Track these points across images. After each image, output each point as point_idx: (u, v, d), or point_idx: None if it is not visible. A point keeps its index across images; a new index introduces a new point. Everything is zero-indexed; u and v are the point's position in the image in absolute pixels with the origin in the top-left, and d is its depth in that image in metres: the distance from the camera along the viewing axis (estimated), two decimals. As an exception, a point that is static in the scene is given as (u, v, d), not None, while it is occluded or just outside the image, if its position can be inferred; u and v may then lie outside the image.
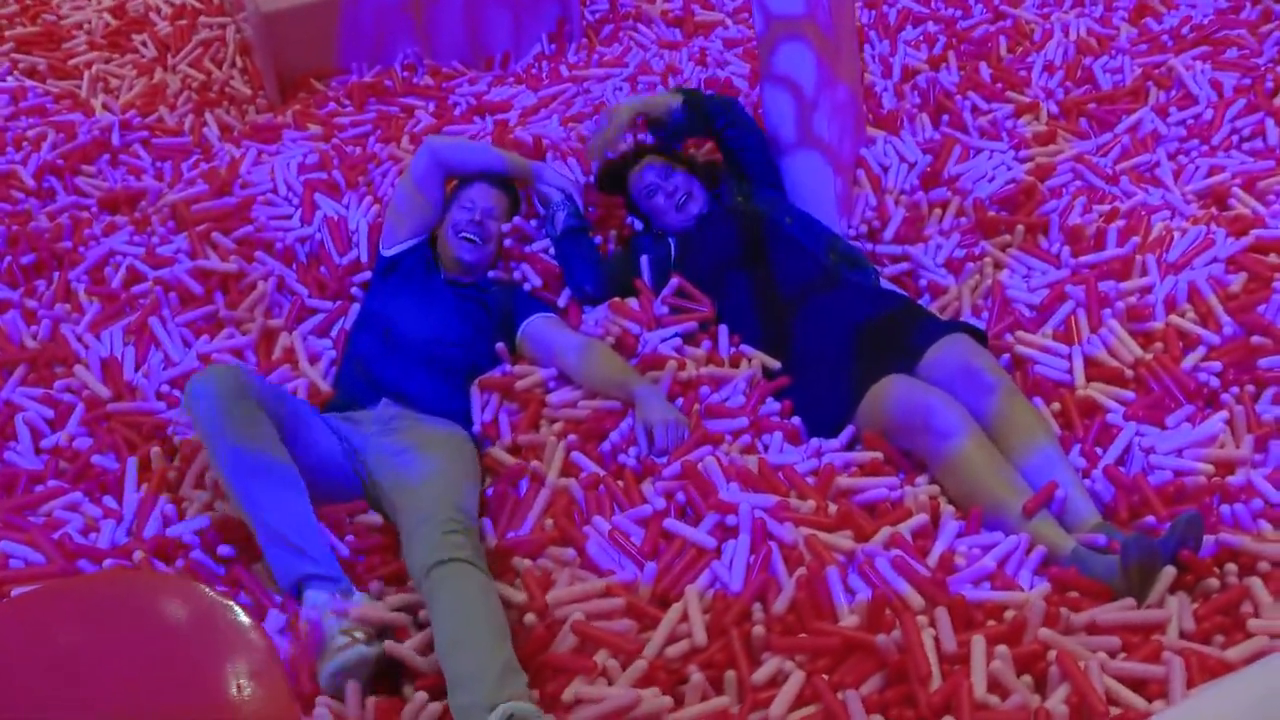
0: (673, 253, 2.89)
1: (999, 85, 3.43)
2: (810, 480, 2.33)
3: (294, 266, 3.01)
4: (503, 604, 2.09)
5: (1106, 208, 2.96)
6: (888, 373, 2.45)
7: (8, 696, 1.42)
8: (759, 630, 1.99)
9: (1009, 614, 1.99)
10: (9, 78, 3.74)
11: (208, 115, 3.65)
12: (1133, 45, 3.57)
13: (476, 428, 2.59)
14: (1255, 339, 2.52)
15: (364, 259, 2.99)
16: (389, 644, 2.06)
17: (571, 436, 2.49)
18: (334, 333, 2.89)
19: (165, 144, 3.48)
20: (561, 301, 2.85)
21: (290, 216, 3.10)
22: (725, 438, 2.44)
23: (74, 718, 1.42)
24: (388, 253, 2.88)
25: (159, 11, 4.18)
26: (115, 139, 3.44)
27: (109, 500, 2.41)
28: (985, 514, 2.24)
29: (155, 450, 2.49)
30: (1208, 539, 2.14)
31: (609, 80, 3.66)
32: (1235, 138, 3.18)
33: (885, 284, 2.87)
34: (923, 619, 1.97)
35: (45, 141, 3.37)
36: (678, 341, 2.69)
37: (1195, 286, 2.66)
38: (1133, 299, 2.67)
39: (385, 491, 2.36)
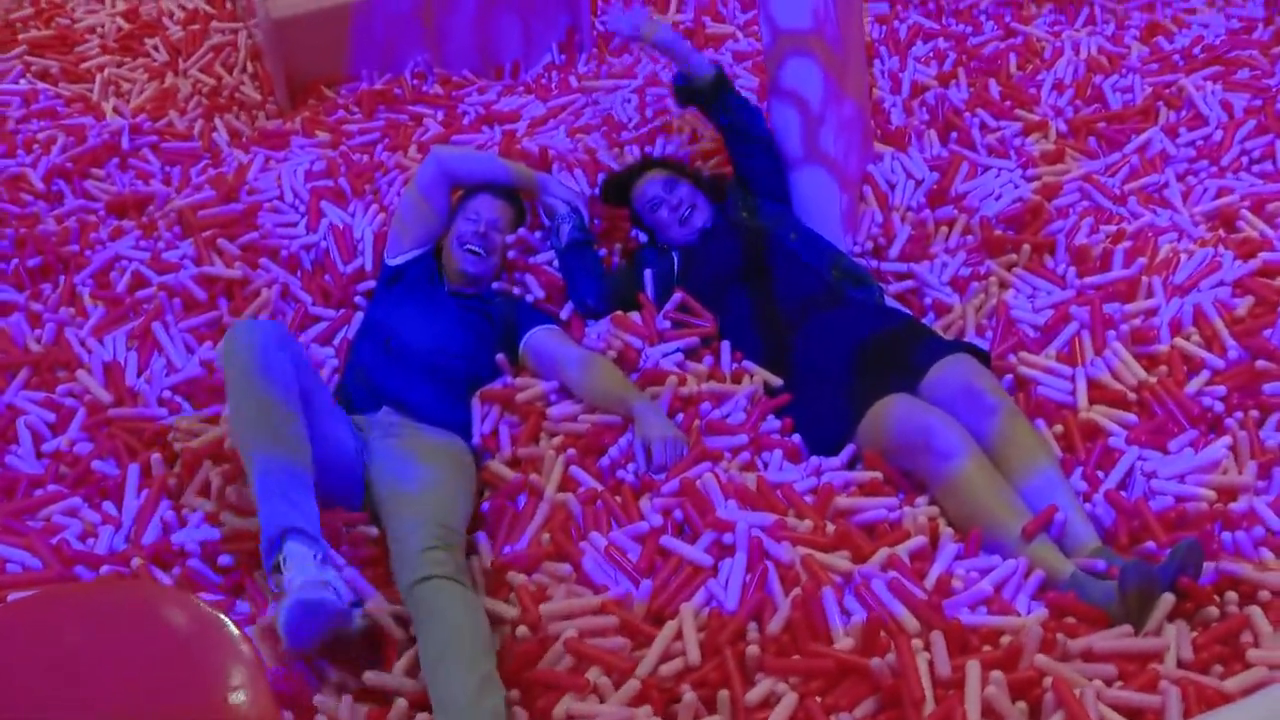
0: (676, 267, 2.89)
1: (1008, 103, 3.42)
2: (809, 499, 2.32)
3: (298, 274, 3.01)
4: (494, 620, 2.08)
5: (1113, 228, 2.95)
6: (889, 391, 2.44)
7: (3, 698, 1.43)
8: (753, 650, 1.98)
9: (1005, 639, 1.98)
10: (22, 80, 3.76)
11: (217, 120, 3.66)
12: (1144, 64, 3.56)
13: (476, 440, 2.59)
14: (1260, 364, 2.50)
15: (369, 267, 3.00)
16: (370, 606, 2.05)
17: (571, 451, 2.48)
18: (336, 341, 2.90)
19: (174, 148, 3.49)
20: (564, 314, 2.85)
21: (296, 224, 3.11)
22: (725, 455, 2.43)
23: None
24: (392, 262, 2.88)
25: (172, 16, 4.19)
26: (125, 143, 3.46)
27: (108, 506, 2.42)
28: (984, 536, 2.23)
29: (155, 457, 2.49)
30: (1208, 566, 2.12)
31: (618, 91, 3.65)
32: (1245, 159, 3.17)
33: (889, 302, 2.87)
34: (918, 643, 1.96)
35: (55, 144, 3.39)
36: (679, 356, 2.68)
37: (1201, 309, 2.65)
38: (1138, 321, 2.66)
39: (380, 497, 2.36)
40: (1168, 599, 2.04)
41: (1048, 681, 1.88)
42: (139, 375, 2.71)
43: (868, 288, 2.79)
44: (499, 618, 2.12)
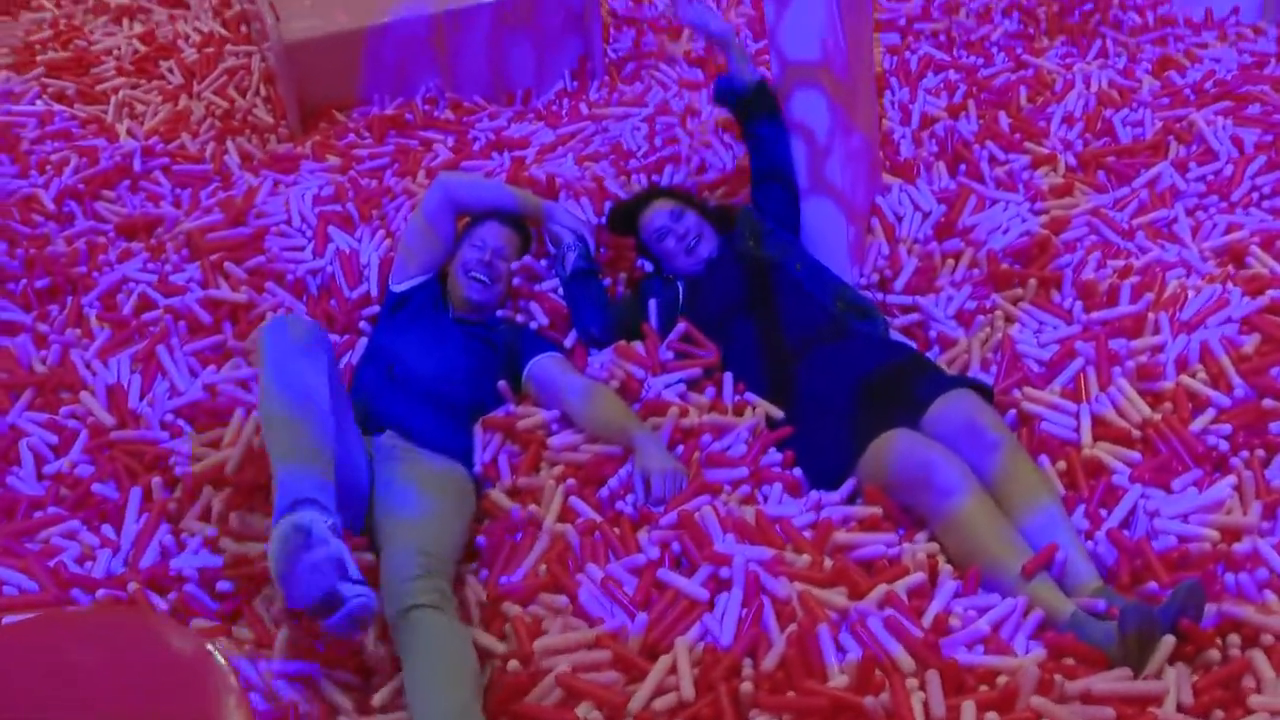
0: (681, 297, 2.88)
1: (1017, 136, 3.41)
2: (807, 534, 2.30)
3: (304, 299, 3.02)
4: (484, 654, 2.07)
5: (1121, 263, 2.94)
6: (891, 426, 2.42)
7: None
8: (747, 687, 1.97)
9: (1001, 679, 1.96)
10: (38, 101, 3.80)
11: (229, 143, 3.69)
12: (1155, 98, 3.55)
13: (478, 468, 2.58)
14: (1267, 402, 2.48)
15: (374, 293, 3.00)
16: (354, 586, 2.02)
17: (570, 481, 2.47)
18: (341, 366, 2.90)
19: (186, 171, 3.52)
20: (568, 342, 2.85)
21: (303, 248, 3.12)
22: (724, 487, 2.42)
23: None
24: (397, 288, 2.89)
25: (187, 39, 4.22)
26: (137, 165, 3.48)
27: (107, 529, 2.42)
28: (984, 574, 2.21)
29: (156, 481, 2.49)
30: (1210, 608, 2.10)
31: (628, 119, 3.66)
32: (1255, 195, 3.15)
33: (894, 335, 2.85)
34: (913, 682, 1.94)
35: (68, 166, 3.41)
36: (682, 388, 2.68)
37: (1208, 346, 2.62)
38: (1143, 357, 2.64)
39: (376, 522, 2.36)
40: (1168, 641, 2.01)
41: (1044, 723, 1.86)
42: (142, 398, 2.72)
43: (873, 320, 2.78)
44: (489, 651, 2.10)
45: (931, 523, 2.33)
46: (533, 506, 2.45)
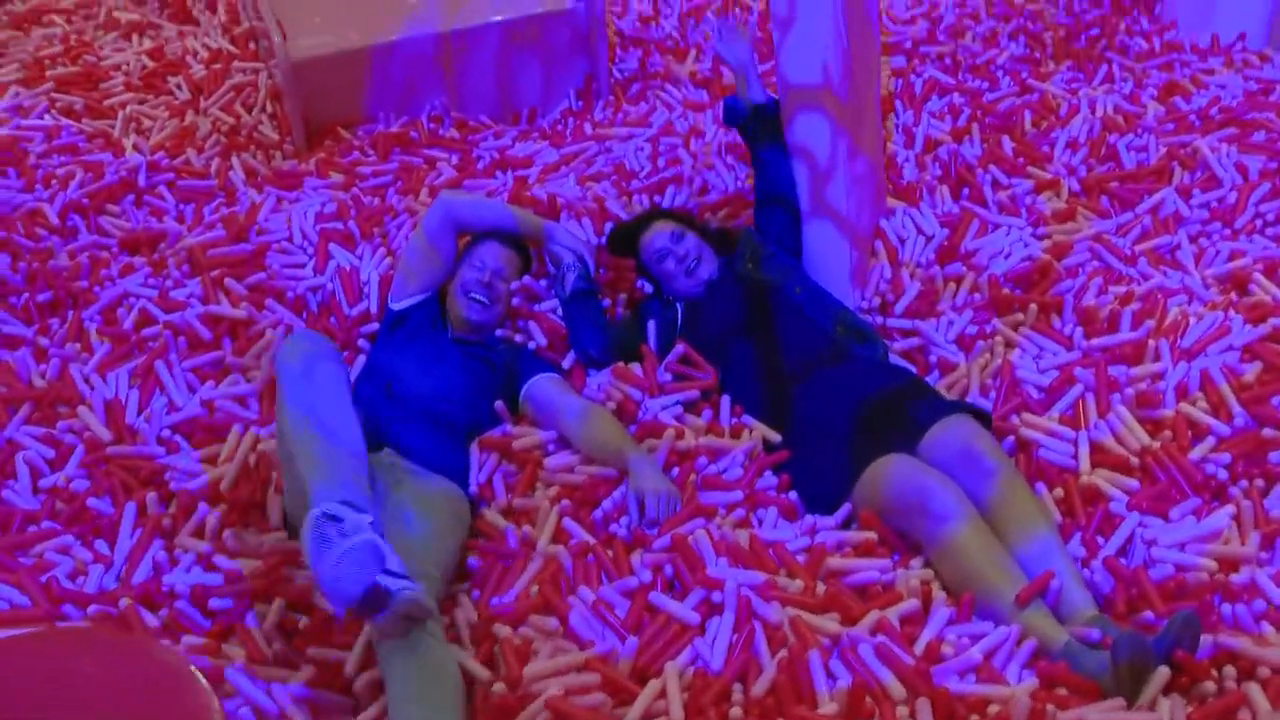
0: (680, 318, 2.88)
1: (1021, 160, 3.40)
2: (801, 558, 2.29)
3: (304, 315, 3.03)
4: (469, 677, 2.06)
5: (1122, 289, 2.93)
6: (888, 451, 2.41)
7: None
8: (736, 713, 1.96)
9: (993, 709, 1.94)
10: (46, 116, 3.82)
11: (234, 159, 3.70)
12: (1159, 124, 3.54)
13: (473, 488, 2.58)
14: (1267, 431, 2.46)
15: (374, 310, 3.00)
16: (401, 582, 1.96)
17: (565, 502, 2.47)
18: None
19: (190, 186, 3.53)
20: (566, 363, 2.84)
21: (304, 265, 3.13)
22: (719, 511, 2.41)
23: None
24: (396, 306, 2.89)
25: (195, 55, 4.25)
26: (142, 180, 3.50)
27: (101, 544, 2.42)
28: (978, 601, 2.19)
29: (151, 496, 2.49)
30: (1206, 639, 2.08)
31: (631, 140, 3.67)
32: (1259, 222, 3.14)
33: (894, 359, 2.84)
34: (903, 710, 1.93)
35: (73, 180, 3.43)
36: (679, 410, 2.67)
37: (1208, 374, 2.61)
38: (1143, 385, 2.63)
39: None
40: (1162, 672, 1.99)
41: (1035, 754, 1.84)
42: (139, 413, 2.72)
43: (872, 344, 2.77)
44: (474, 675, 2.09)
45: (927, 549, 2.32)
46: (527, 527, 2.44)
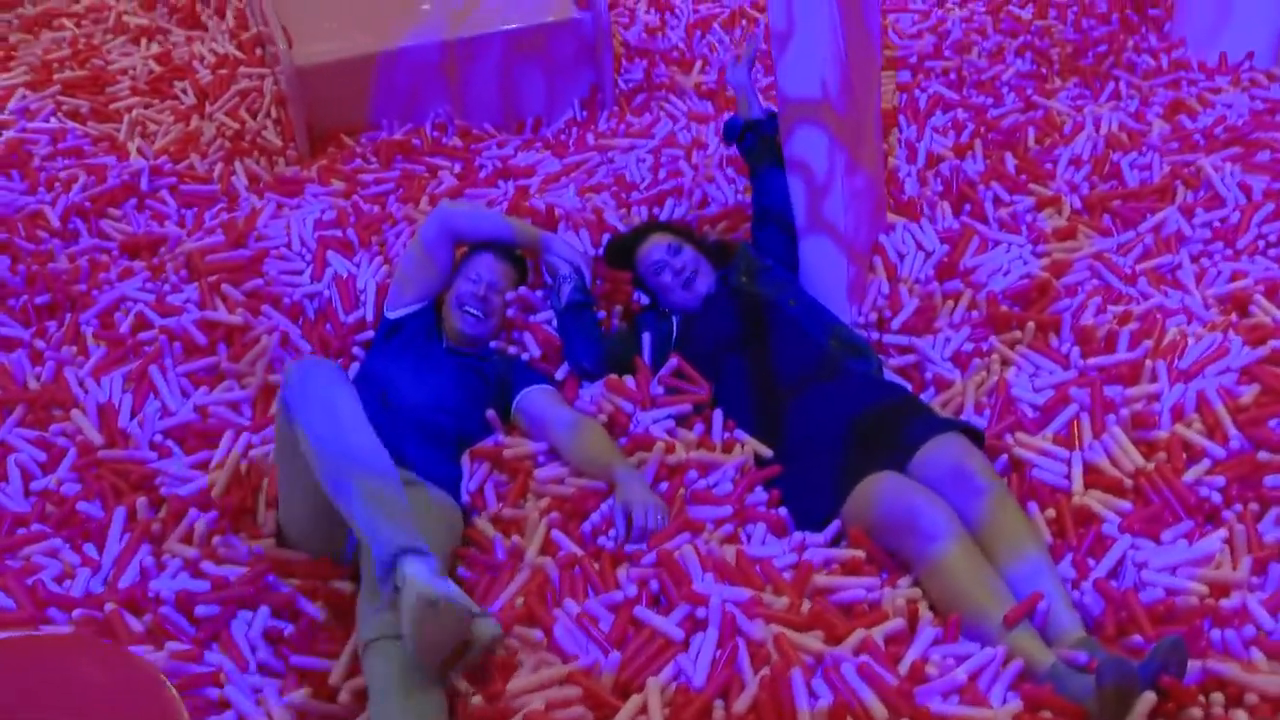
0: (675, 332, 2.87)
1: (1023, 177, 3.39)
2: (788, 575, 2.28)
3: (300, 322, 3.03)
4: (452, 689, 2.06)
5: (1121, 309, 2.90)
6: (879, 469, 2.40)
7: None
8: (717, 730, 1.94)
9: (975, 731, 1.93)
10: (52, 119, 3.83)
11: (237, 164, 3.71)
12: (1164, 142, 3.52)
13: (465, 498, 2.57)
14: (1262, 455, 2.44)
15: (370, 318, 3.00)
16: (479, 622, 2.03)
17: (554, 514, 2.46)
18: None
19: (192, 191, 3.54)
20: (560, 375, 2.84)
21: (301, 272, 3.13)
22: (707, 526, 2.40)
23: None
24: (391, 315, 2.89)
25: (202, 60, 4.26)
26: (144, 184, 3.51)
27: (90, 548, 2.42)
28: (965, 622, 2.18)
29: (141, 501, 2.49)
30: (1194, 665, 2.05)
31: (633, 151, 3.67)
32: (1261, 243, 3.11)
33: (889, 374, 2.83)
34: (884, 730, 1.91)
35: (76, 183, 3.44)
36: (670, 423, 2.66)
37: (1204, 396, 2.59)
38: (1139, 405, 2.60)
39: (360, 548, 2.34)
40: (1148, 698, 1.97)
41: (1015, 779, 1.82)
42: (132, 418, 2.72)
43: (866, 359, 2.76)
44: (456, 687, 2.08)
45: (915, 567, 2.30)
46: (516, 537, 2.44)
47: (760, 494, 2.52)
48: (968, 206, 3.32)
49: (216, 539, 2.43)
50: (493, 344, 2.88)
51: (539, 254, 3.00)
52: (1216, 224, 3.19)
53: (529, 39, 3.97)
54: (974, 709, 1.97)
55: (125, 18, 4.57)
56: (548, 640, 2.19)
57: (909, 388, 2.79)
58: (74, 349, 2.90)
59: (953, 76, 3.99)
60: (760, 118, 3.11)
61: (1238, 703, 2.01)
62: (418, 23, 3.94)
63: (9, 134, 3.68)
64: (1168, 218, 3.21)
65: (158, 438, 2.69)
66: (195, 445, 2.69)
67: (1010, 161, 3.45)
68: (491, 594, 2.32)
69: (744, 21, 4.53)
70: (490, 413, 2.71)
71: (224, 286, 3.03)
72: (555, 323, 2.90)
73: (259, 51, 4.26)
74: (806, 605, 2.19)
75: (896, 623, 2.16)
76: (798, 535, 2.40)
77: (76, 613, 2.24)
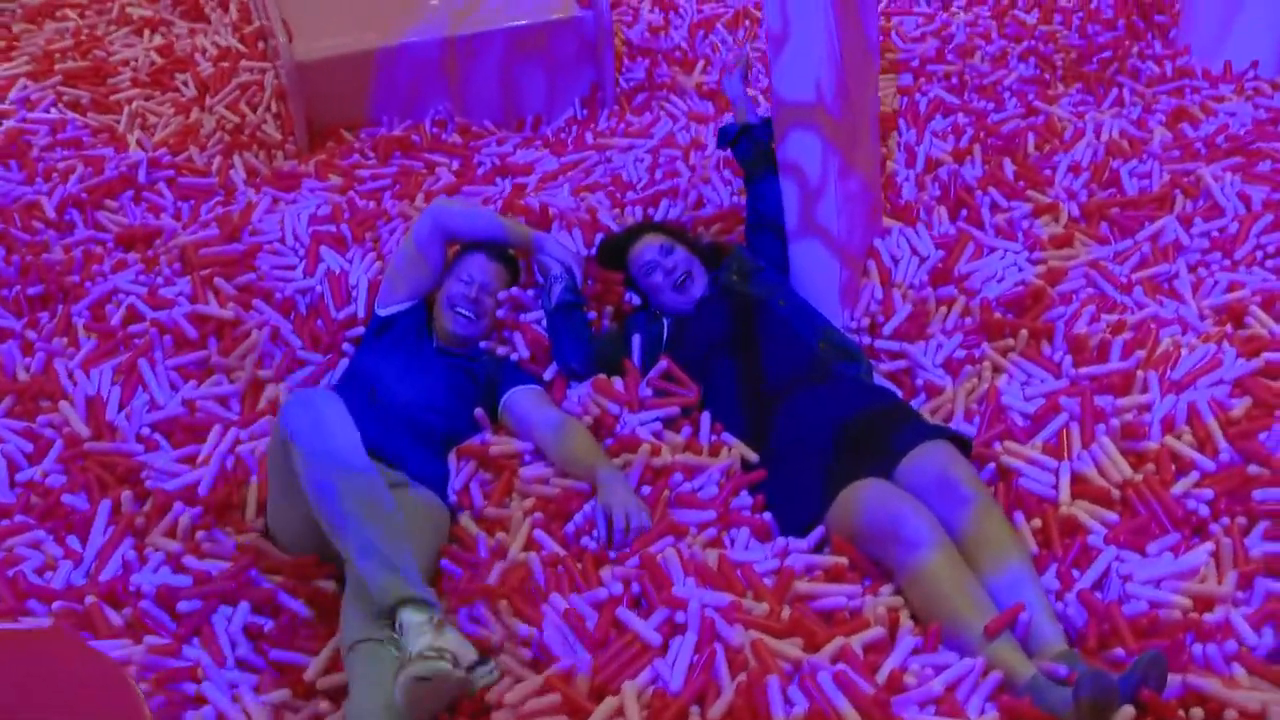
0: (665, 333, 2.86)
1: (1021, 183, 3.37)
2: (769, 581, 2.26)
3: (291, 317, 3.02)
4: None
5: (1115, 318, 2.88)
6: (864, 475, 2.39)
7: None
8: (692, 735, 1.94)
9: (950, 742, 1.92)
10: (52, 109, 3.84)
11: (236, 158, 3.71)
12: (1165, 150, 3.49)
13: (452, 498, 2.56)
14: (1252, 468, 2.42)
15: (361, 315, 3.00)
16: (477, 673, 2.02)
17: (538, 514, 2.46)
18: (322, 386, 2.90)
19: (190, 184, 3.54)
20: (548, 375, 2.83)
21: (294, 267, 3.13)
22: (690, 529, 2.39)
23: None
24: (383, 312, 2.88)
25: (204, 53, 4.26)
26: (141, 176, 3.51)
27: (73, 540, 2.42)
28: (945, 631, 2.16)
29: (126, 494, 2.49)
30: (1175, 679, 2.04)
31: (631, 151, 3.65)
32: (1260, 254, 3.08)
33: (879, 379, 2.82)
34: (859, 740, 1.90)
35: (74, 174, 3.44)
36: (658, 426, 2.65)
37: (1195, 408, 2.57)
38: (1129, 416, 2.59)
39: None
40: (1126, 712, 1.96)
41: (989, 791, 1.81)
42: (120, 410, 2.72)
43: (855, 363, 2.74)
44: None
45: (897, 576, 2.29)
46: (501, 534, 2.43)
47: (745, 498, 2.51)
48: (964, 212, 3.30)
49: (200, 534, 2.43)
50: (483, 344, 2.87)
51: (531, 253, 2.99)
52: (1215, 234, 3.16)
53: (530, 36, 3.95)
54: (950, 720, 1.96)
55: (129, 9, 4.57)
56: (521, 642, 2.19)
57: (898, 393, 2.77)
58: (65, 341, 2.91)
59: (954, 81, 3.96)
60: (754, 122, 3.11)
61: (1218, 718, 1.99)
62: (419, 19, 3.93)
63: (9, 124, 3.69)
64: (1165, 227, 3.18)
65: (145, 431, 2.69)
66: (183, 439, 2.69)
67: (1009, 167, 3.43)
68: (472, 594, 2.31)
69: (747, 22, 4.51)
70: (479, 411, 2.70)
71: (216, 280, 3.03)
72: (545, 323, 2.89)
73: (261, 45, 4.27)
74: (786, 612, 2.18)
75: (876, 631, 2.15)
76: (781, 540, 2.39)
77: (56, 605, 2.24)
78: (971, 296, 2.98)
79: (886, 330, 2.91)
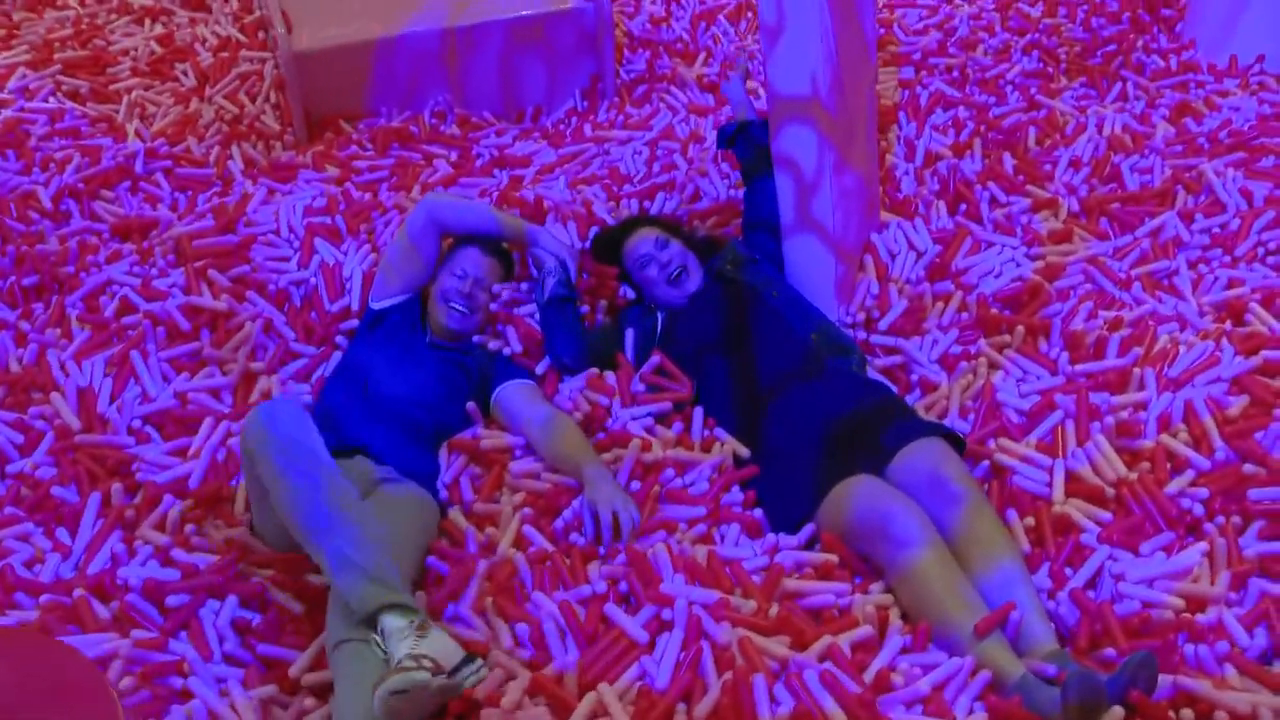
0: (659, 328, 2.85)
1: (1020, 178, 3.34)
2: (758, 578, 2.25)
3: (285, 309, 3.01)
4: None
5: (1113, 314, 2.86)
6: (855, 472, 2.37)
7: None
8: (677, 733, 1.93)
9: (937, 743, 1.90)
10: (51, 99, 3.83)
11: (234, 148, 3.70)
12: (1167, 145, 3.46)
13: (444, 494, 2.55)
14: (1247, 467, 2.40)
15: (355, 307, 2.99)
16: (456, 679, 2.00)
17: (527, 510, 2.45)
18: (314, 379, 2.89)
19: (187, 174, 3.53)
20: (540, 369, 2.81)
21: (289, 259, 3.12)
22: (679, 525, 2.38)
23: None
24: (376, 306, 2.87)
25: (204, 43, 4.25)
26: (139, 166, 3.50)
27: (62, 533, 2.42)
28: (935, 630, 2.15)
29: (116, 487, 2.49)
30: (1166, 680, 2.03)
31: (630, 143, 3.63)
32: (1260, 250, 3.06)
33: (873, 374, 2.80)
34: (844, 739, 1.89)
35: (70, 164, 3.43)
36: (649, 421, 2.63)
37: (1192, 406, 2.55)
38: (1124, 414, 2.57)
39: None
40: (1115, 713, 1.94)
41: (974, 793, 1.80)
42: (112, 403, 2.72)
43: (847, 357, 2.72)
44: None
45: (887, 574, 2.27)
46: (490, 529, 2.43)
47: (736, 494, 2.49)
48: (963, 206, 3.27)
49: (189, 527, 2.43)
50: (475, 338, 2.86)
51: (525, 247, 2.97)
52: (1216, 230, 3.14)
53: (530, 28, 3.94)
54: (937, 720, 1.95)
55: (130, -2, 4.57)
56: (513, 637, 2.18)
57: (892, 389, 2.75)
58: (58, 332, 2.90)
59: (955, 74, 3.93)
60: (753, 119, 3.10)
61: (1208, 720, 1.98)
62: (418, 10, 3.92)
63: (7, 113, 3.68)
64: (1166, 222, 3.16)
65: (136, 423, 2.68)
66: (174, 431, 2.69)
67: (1009, 162, 3.41)
68: (460, 590, 2.30)
69: (750, 14, 4.49)
70: (471, 405, 2.69)
71: (210, 272, 3.02)
72: (538, 316, 2.87)
73: (261, 35, 4.25)
74: (775, 609, 2.17)
75: (865, 629, 2.14)
76: (771, 537, 2.38)
77: (44, 598, 2.23)
78: (968, 292, 2.96)
79: (882, 325, 2.89)
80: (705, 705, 1.98)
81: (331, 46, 3.80)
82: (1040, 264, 3.03)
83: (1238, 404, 2.55)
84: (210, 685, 2.14)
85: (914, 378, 2.82)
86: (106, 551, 2.35)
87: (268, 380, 2.82)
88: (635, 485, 2.46)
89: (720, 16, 4.47)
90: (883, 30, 4.16)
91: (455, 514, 2.50)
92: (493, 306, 2.88)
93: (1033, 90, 3.79)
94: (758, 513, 2.47)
